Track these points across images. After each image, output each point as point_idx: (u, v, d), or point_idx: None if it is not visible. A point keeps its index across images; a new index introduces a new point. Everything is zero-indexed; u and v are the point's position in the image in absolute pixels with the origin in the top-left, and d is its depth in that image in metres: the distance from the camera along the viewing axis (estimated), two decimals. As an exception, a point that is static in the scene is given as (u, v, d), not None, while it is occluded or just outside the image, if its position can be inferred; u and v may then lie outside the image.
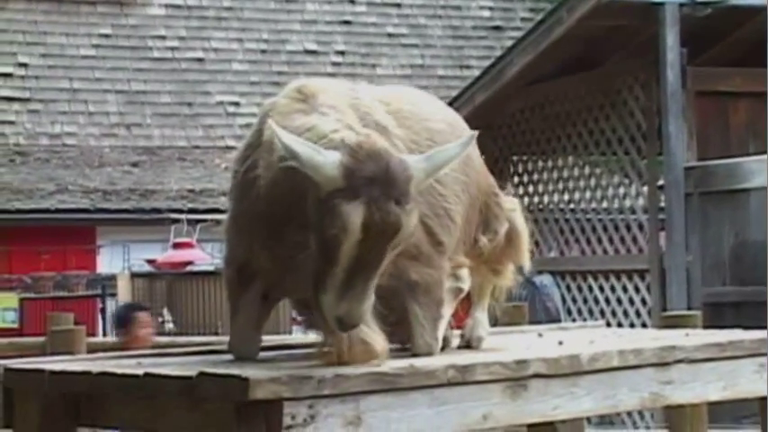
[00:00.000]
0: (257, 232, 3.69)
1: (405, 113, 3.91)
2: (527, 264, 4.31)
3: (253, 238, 3.72)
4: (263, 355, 3.92)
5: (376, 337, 3.52)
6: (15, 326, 16.92)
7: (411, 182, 3.41)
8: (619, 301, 11.36)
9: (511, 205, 4.30)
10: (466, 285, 4.17)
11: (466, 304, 4.28)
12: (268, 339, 4.16)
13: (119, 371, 3.52)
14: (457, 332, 4.25)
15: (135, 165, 21.02)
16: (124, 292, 17.31)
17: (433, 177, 3.56)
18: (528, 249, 4.32)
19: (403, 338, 3.80)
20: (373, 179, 3.34)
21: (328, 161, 3.33)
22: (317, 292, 3.41)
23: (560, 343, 4.18)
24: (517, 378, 3.60)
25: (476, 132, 3.70)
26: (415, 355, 3.72)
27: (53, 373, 3.66)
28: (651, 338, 4.38)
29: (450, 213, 3.89)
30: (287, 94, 3.74)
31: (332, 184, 3.32)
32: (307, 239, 3.46)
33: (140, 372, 3.44)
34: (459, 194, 3.94)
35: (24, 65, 21.92)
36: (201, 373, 3.22)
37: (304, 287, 3.54)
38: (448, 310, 4.04)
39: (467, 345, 4.17)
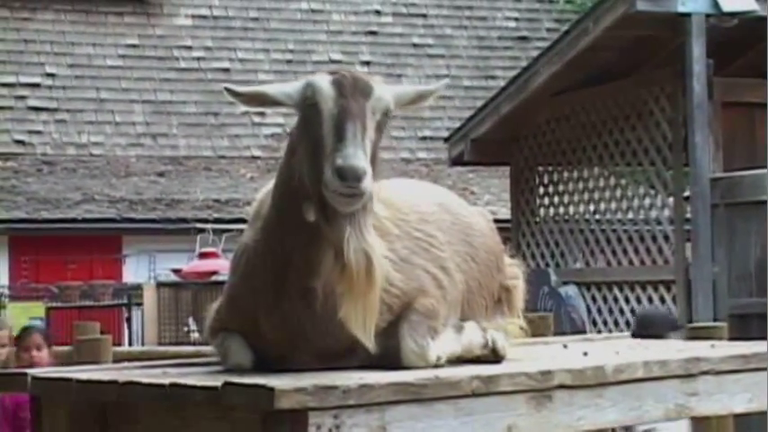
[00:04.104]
0: (259, 289, 3.65)
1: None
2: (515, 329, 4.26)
3: (255, 298, 3.67)
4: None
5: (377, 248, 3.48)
6: (42, 335, 16.96)
7: (377, 81, 3.56)
8: (644, 312, 11.32)
9: (514, 274, 4.35)
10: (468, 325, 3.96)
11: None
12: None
13: (145, 380, 3.54)
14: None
15: (161, 174, 21.11)
16: (150, 302, 17.37)
17: (400, 103, 3.65)
18: (520, 311, 4.33)
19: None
20: (339, 77, 3.54)
21: (297, 84, 3.60)
22: (313, 183, 3.43)
23: (585, 354, 4.17)
24: (542, 389, 3.60)
25: (443, 83, 3.80)
26: (405, 362, 3.61)
27: (80, 381, 3.68)
28: (676, 350, 4.37)
29: (450, 272, 3.89)
30: None
31: (302, 95, 3.55)
32: (312, 283, 3.50)
33: (167, 381, 3.45)
34: (461, 264, 3.97)
35: (52, 75, 22.05)
36: (227, 383, 3.24)
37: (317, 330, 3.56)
38: (449, 337, 3.80)
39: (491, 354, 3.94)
